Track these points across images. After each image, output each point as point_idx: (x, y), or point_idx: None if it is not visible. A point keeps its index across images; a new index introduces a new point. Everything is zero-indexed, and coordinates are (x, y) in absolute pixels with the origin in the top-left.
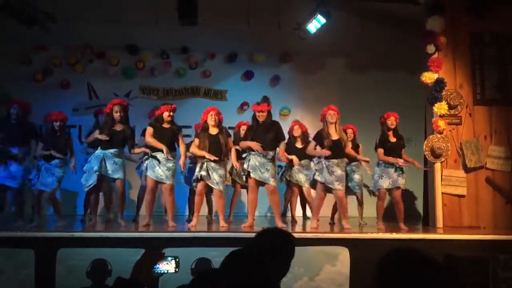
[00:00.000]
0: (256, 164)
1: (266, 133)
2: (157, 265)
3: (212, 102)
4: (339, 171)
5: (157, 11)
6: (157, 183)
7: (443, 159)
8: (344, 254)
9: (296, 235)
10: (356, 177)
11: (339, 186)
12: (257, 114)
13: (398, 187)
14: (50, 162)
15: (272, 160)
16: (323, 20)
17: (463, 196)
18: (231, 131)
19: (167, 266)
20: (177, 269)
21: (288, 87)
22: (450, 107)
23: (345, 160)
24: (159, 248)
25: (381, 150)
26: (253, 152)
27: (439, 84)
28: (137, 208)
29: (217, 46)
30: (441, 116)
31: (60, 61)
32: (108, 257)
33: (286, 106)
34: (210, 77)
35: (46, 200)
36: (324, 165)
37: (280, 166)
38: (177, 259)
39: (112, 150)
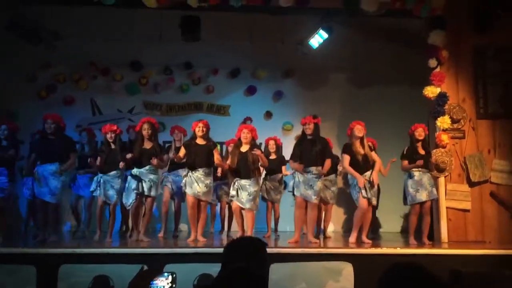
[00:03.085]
0: (300, 180)
1: (313, 147)
2: (154, 281)
3: (215, 118)
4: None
5: (161, 28)
6: (197, 199)
7: (447, 173)
8: (348, 270)
9: (298, 250)
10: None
11: (374, 202)
12: (304, 127)
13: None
14: (108, 174)
15: (318, 176)
16: (325, 35)
17: (467, 210)
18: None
19: (163, 282)
20: (173, 285)
21: (291, 102)
22: (453, 121)
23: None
24: (161, 264)
25: (405, 163)
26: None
27: (442, 98)
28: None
29: (220, 62)
30: (444, 130)
31: (64, 78)
32: (110, 273)
33: (289, 121)
34: (213, 92)
35: (107, 212)
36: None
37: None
38: (174, 275)
39: (147, 167)
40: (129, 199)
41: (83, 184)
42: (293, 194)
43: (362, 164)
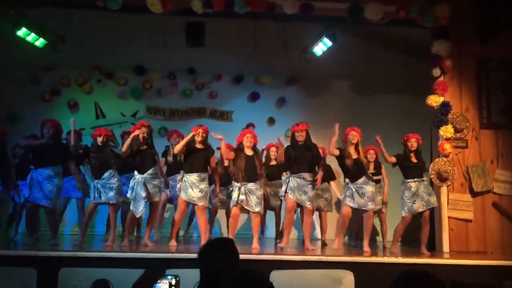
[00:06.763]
0: (294, 185)
1: (306, 153)
2: (157, 284)
3: (218, 123)
4: (369, 189)
5: (165, 33)
6: (189, 204)
7: (449, 183)
8: (348, 278)
9: (299, 258)
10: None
11: (371, 206)
12: (296, 134)
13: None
14: (102, 178)
15: (311, 182)
16: (329, 43)
17: (469, 220)
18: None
19: (166, 285)
20: None
21: (294, 109)
22: (456, 131)
23: (371, 177)
24: (161, 269)
25: (393, 159)
26: (293, 174)
27: (445, 107)
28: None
29: (224, 68)
30: (447, 140)
31: (68, 81)
32: (110, 278)
33: None
34: (216, 98)
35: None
36: (354, 189)
37: None
38: (177, 278)
39: (150, 171)
40: (139, 207)
41: (71, 185)
42: (283, 197)
43: (353, 170)
